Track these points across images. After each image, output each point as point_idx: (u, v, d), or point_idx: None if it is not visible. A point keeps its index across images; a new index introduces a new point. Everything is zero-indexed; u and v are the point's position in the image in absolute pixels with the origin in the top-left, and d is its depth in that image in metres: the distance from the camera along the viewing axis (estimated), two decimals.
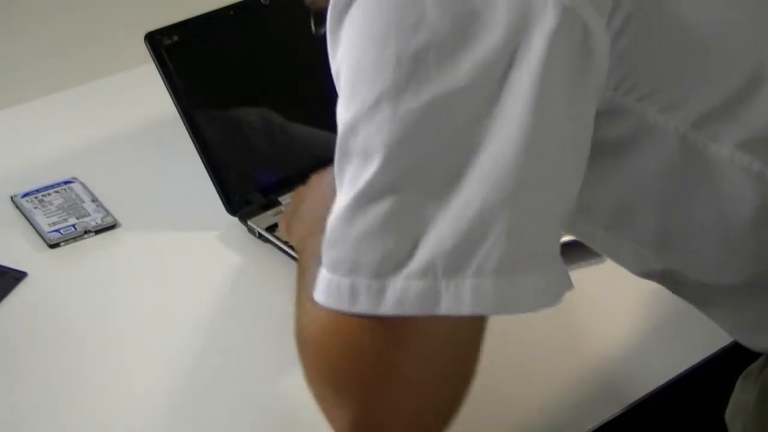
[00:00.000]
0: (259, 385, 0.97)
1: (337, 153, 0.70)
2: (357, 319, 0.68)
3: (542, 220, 0.68)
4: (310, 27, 0.90)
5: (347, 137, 0.68)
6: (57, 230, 1.16)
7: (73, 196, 1.21)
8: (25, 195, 1.21)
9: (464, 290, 0.66)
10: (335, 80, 0.70)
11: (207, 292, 1.09)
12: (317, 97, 0.94)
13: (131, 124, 1.36)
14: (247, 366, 1.00)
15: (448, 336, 0.69)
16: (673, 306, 0.87)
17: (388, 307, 0.67)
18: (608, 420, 0.93)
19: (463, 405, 0.71)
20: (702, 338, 0.97)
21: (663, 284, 0.84)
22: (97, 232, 1.16)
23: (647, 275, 0.83)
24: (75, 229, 1.16)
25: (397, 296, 0.67)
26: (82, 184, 1.23)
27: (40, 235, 1.15)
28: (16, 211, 1.20)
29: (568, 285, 0.69)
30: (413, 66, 0.65)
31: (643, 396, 0.95)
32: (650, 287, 0.85)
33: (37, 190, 1.22)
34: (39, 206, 1.19)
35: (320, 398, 0.74)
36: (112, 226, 1.17)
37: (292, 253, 1.09)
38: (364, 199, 0.67)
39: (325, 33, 0.71)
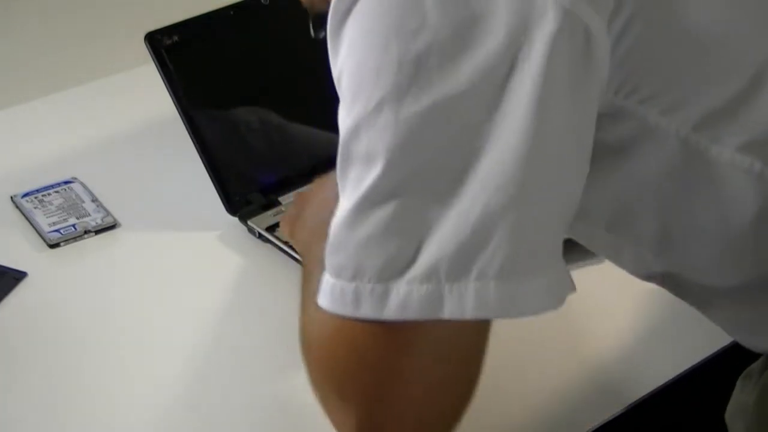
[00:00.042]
0: (260, 385, 0.97)
1: (340, 157, 0.70)
2: (361, 323, 0.68)
3: (544, 223, 0.68)
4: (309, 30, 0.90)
5: (349, 142, 0.68)
6: (57, 230, 1.16)
7: (73, 196, 1.21)
8: (25, 195, 1.21)
9: (467, 294, 0.66)
10: (336, 85, 0.70)
11: (207, 292, 1.09)
12: (317, 97, 0.94)
13: (131, 124, 1.36)
14: (248, 366, 1.00)
15: (452, 340, 0.69)
16: (673, 306, 0.87)
17: (391, 311, 0.67)
18: (608, 420, 0.93)
19: (468, 408, 0.71)
20: (702, 338, 0.97)
21: (663, 286, 0.84)
22: (97, 232, 1.16)
23: (647, 277, 0.83)
24: (75, 229, 1.16)
25: (401, 300, 0.67)
26: (82, 184, 1.23)
27: (40, 235, 1.15)
28: (16, 211, 1.20)
29: (571, 287, 0.70)
30: (414, 70, 0.65)
31: (643, 396, 0.95)
32: (650, 287, 0.85)
33: (37, 190, 1.22)
34: (39, 206, 1.19)
35: (325, 402, 0.74)
36: (112, 226, 1.17)
37: (293, 253, 1.09)
38: (366, 204, 0.67)
39: (323, 36, 0.71)
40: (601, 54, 0.67)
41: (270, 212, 1.16)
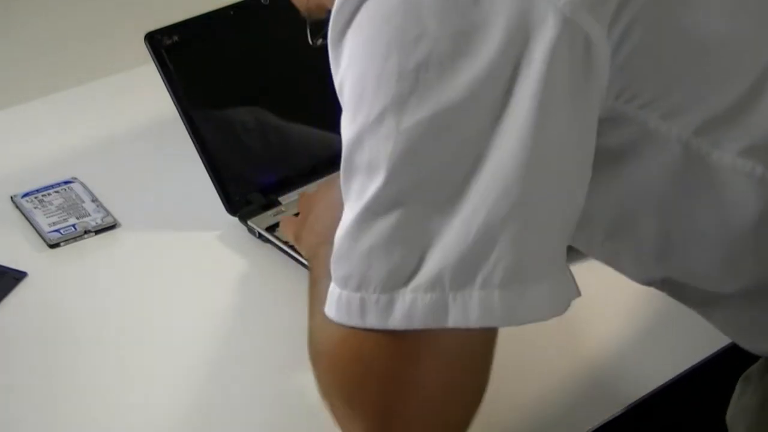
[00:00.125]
0: (260, 385, 0.97)
1: (343, 168, 0.70)
2: (367, 333, 0.69)
3: (547, 229, 0.68)
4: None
5: (352, 152, 0.68)
6: (57, 230, 1.16)
7: (73, 196, 1.21)
8: (25, 195, 1.21)
9: (472, 303, 0.66)
10: (338, 94, 0.70)
11: (207, 292, 1.09)
12: (317, 97, 0.95)
13: (131, 124, 1.36)
14: (248, 366, 1.00)
15: (457, 348, 0.69)
16: (673, 306, 0.87)
17: (396, 320, 0.67)
18: (608, 420, 0.93)
19: (475, 416, 0.71)
20: (702, 338, 0.97)
21: (663, 290, 0.84)
22: (97, 232, 1.16)
23: (648, 282, 0.83)
24: (75, 229, 1.16)
25: (406, 310, 0.67)
26: (82, 184, 1.23)
27: (40, 235, 1.15)
28: (16, 211, 1.20)
29: (575, 292, 0.70)
30: (415, 79, 0.65)
31: (643, 396, 0.95)
32: (650, 287, 0.85)
33: (37, 190, 1.22)
34: (39, 206, 1.19)
35: (333, 409, 0.74)
36: (112, 226, 1.17)
37: (293, 253, 1.09)
38: (369, 214, 0.67)
39: (321, 43, 0.71)
40: (601, 61, 0.67)
41: (270, 212, 1.16)
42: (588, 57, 0.66)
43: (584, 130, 0.69)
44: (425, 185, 0.66)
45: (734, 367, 0.90)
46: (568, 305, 0.69)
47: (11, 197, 1.21)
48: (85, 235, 1.16)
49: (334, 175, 0.74)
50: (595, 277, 0.98)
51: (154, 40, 1.15)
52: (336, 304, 0.70)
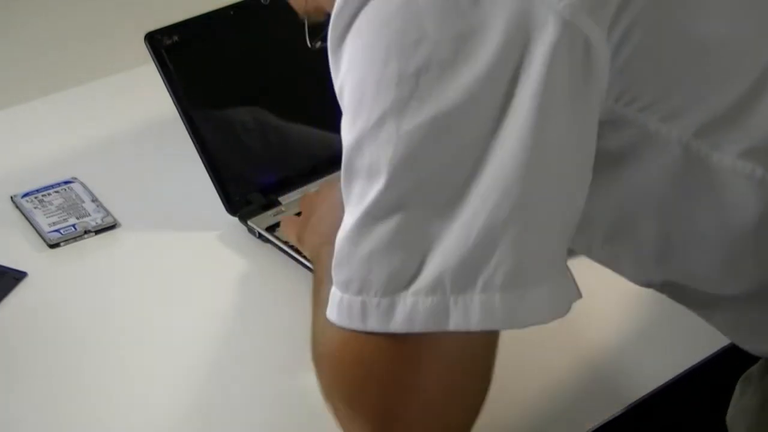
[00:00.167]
0: (260, 385, 0.97)
1: (343, 172, 0.70)
2: (368, 336, 0.69)
3: (548, 232, 0.68)
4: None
5: (353, 156, 0.68)
6: (57, 230, 1.16)
7: (73, 196, 1.21)
8: (25, 195, 1.21)
9: (473, 306, 0.66)
10: (338, 98, 0.71)
11: (207, 293, 1.09)
12: (317, 97, 0.94)
13: (131, 124, 1.36)
14: (248, 366, 1.00)
15: (458, 352, 0.69)
16: (673, 306, 0.87)
17: (398, 324, 0.67)
18: (608, 420, 0.93)
19: (477, 420, 0.71)
20: (702, 338, 0.97)
21: (664, 293, 0.84)
22: (97, 232, 1.16)
23: (647, 284, 0.84)
24: (75, 229, 1.16)
25: (407, 313, 0.67)
26: (82, 184, 1.23)
27: (40, 235, 1.15)
28: (16, 211, 1.20)
29: (576, 294, 0.70)
30: (415, 83, 0.65)
31: (643, 396, 0.95)
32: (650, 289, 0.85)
33: (37, 190, 1.22)
34: (39, 206, 1.19)
35: (335, 412, 0.74)
36: (112, 226, 1.17)
37: (293, 253, 1.09)
38: (369, 218, 0.67)
39: (320, 46, 0.72)
40: (601, 64, 0.67)
41: (270, 212, 1.16)
42: (588, 60, 0.66)
43: (584, 133, 0.69)
44: (426, 189, 0.66)
45: (734, 367, 0.90)
46: (569, 307, 0.69)
47: (11, 197, 1.21)
48: (85, 235, 1.16)
49: (335, 174, 0.74)
50: (595, 277, 0.98)
51: (154, 40, 1.15)
52: (337, 307, 0.70)
